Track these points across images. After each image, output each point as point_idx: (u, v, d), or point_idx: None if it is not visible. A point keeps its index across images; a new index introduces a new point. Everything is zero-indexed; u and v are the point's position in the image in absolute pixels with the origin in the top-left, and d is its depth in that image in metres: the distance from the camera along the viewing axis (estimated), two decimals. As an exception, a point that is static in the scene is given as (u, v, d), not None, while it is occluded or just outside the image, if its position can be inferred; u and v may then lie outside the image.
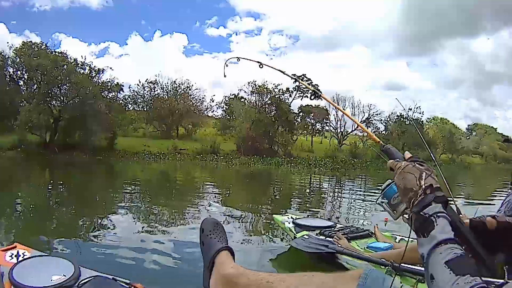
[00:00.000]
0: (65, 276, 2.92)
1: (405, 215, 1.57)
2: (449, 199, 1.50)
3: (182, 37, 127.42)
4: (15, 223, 8.42)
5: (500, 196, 16.58)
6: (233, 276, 2.23)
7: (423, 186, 1.43)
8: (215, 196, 15.39)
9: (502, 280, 1.22)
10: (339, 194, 18.01)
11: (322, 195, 17.48)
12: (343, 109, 64.03)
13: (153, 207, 11.17)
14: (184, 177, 25.29)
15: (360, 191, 19.92)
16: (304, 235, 5.59)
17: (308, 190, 19.85)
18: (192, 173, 28.32)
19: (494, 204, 14.06)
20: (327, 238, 5.35)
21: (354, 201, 14.80)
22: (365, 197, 16.14)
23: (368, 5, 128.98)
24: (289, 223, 6.37)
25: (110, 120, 39.23)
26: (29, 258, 3.24)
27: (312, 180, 27.05)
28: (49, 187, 15.00)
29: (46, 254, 3.51)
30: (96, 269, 3.14)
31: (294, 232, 5.97)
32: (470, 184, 28.94)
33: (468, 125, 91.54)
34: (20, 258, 3.24)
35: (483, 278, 1.16)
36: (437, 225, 1.32)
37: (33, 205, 10.57)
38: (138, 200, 13.02)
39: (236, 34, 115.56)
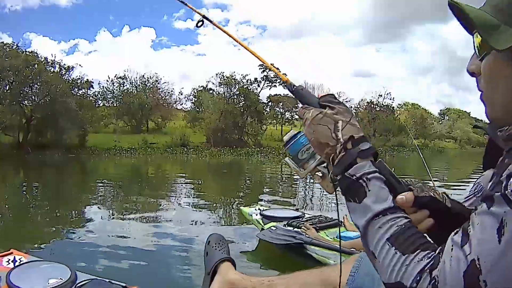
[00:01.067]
0: (61, 279, 3.11)
1: (317, 173, 1.36)
2: (428, 182, 1.37)
3: (150, 31, 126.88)
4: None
5: (474, 179, 17.08)
6: (236, 280, 2.43)
7: (341, 140, 1.17)
8: (186, 190, 15.56)
9: None
10: (310, 183, 18.28)
11: (293, 185, 17.72)
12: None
13: (133, 204, 11.33)
14: (156, 171, 25.39)
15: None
16: (271, 226, 5.66)
17: (278, 180, 20.10)
18: (163, 167, 28.39)
19: (467, 186, 14.51)
20: (295, 229, 5.42)
21: (321, 191, 15.04)
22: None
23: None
24: (256, 214, 6.46)
25: (80, 118, 39.06)
26: (26, 263, 3.43)
27: (283, 169, 27.30)
28: (24, 189, 15.05)
29: (42, 259, 3.72)
30: (91, 273, 3.37)
31: (262, 224, 6.05)
32: (444, 168, 29.37)
33: (441, 110, 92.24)
34: (17, 264, 3.44)
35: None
36: (369, 190, 1.10)
37: (10, 208, 10.60)
38: (115, 198, 13.20)
39: (204, 26, 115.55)
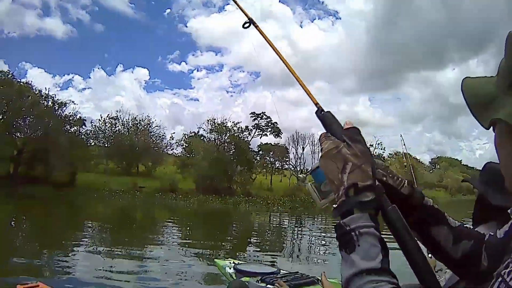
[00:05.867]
0: None
1: (334, 206, 1.19)
2: None
3: (143, 71, 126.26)
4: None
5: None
6: None
7: (345, 184, 1.09)
8: (172, 237, 15.69)
9: None
10: (296, 235, 18.33)
11: (279, 236, 17.82)
12: (303, 148, 64.64)
13: (120, 247, 11.66)
14: (144, 215, 25.47)
15: (318, 232, 20.14)
16: (244, 281, 5.49)
17: (266, 231, 20.18)
18: (151, 211, 28.44)
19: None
20: (268, 286, 5.30)
21: (308, 243, 15.13)
22: (322, 239, 16.47)
23: (329, 41, 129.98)
24: (230, 268, 6.37)
25: (71, 156, 38.84)
26: None
27: (270, 219, 27.35)
28: (12, 222, 15.18)
29: None
30: None
31: (234, 278, 5.94)
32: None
33: (432, 159, 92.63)
34: None
35: None
36: (358, 245, 1.02)
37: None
38: (103, 239, 13.38)
39: (198, 70, 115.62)
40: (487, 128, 0.95)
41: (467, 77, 1.07)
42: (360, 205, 1.06)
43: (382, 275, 0.98)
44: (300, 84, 1.47)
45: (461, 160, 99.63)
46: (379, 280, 0.96)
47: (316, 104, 1.34)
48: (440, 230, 1.36)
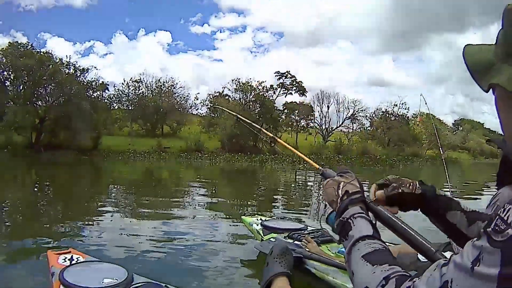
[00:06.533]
0: (116, 280, 3.19)
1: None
2: (445, 190, 1.53)
3: (166, 34, 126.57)
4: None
5: (489, 191, 17.09)
6: None
7: (340, 195, 1.42)
8: (198, 196, 15.49)
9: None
10: (321, 193, 18.09)
11: (305, 194, 17.64)
12: (328, 106, 64.22)
13: (147, 208, 11.47)
14: (169, 176, 25.39)
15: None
16: (270, 238, 5.54)
17: (291, 188, 20.01)
18: (177, 171, 28.47)
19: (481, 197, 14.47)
20: (295, 242, 5.25)
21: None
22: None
23: (353, 1, 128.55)
24: (257, 225, 6.34)
25: (94, 120, 39.08)
26: (82, 262, 3.55)
27: (296, 177, 27.21)
28: (35, 187, 15.09)
29: (99, 260, 3.72)
30: (149, 276, 3.34)
31: (262, 235, 5.93)
32: (458, 179, 29.07)
33: (455, 120, 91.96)
34: (73, 262, 3.53)
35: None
36: (354, 225, 1.29)
37: (21, 206, 10.63)
38: (129, 201, 13.21)
39: (221, 32, 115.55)
40: (486, 91, 1.10)
41: (468, 44, 1.23)
42: (351, 201, 1.37)
43: (375, 239, 1.23)
44: (303, 158, 2.22)
45: (483, 123, 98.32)
46: (373, 242, 1.21)
47: (318, 168, 1.87)
48: (454, 215, 1.58)
